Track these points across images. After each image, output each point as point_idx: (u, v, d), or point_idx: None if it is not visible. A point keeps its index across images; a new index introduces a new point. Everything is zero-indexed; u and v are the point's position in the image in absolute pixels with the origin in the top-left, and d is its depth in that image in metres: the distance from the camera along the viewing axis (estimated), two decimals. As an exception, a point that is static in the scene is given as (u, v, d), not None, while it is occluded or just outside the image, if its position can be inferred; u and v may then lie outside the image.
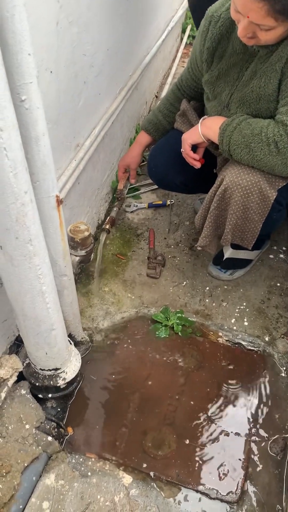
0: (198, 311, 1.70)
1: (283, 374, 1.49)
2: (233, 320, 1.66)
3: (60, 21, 1.18)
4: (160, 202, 2.17)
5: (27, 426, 1.24)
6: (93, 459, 1.27)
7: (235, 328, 1.64)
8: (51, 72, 1.19)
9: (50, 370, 1.25)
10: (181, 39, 3.74)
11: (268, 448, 1.31)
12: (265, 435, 1.34)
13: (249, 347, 1.57)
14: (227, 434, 1.34)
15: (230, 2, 1.26)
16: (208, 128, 1.41)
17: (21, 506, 1.14)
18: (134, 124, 2.40)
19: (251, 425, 1.36)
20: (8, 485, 1.14)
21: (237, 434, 1.34)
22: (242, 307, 1.71)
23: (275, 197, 1.34)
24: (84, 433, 1.33)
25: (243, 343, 1.58)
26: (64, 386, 1.29)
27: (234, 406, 1.40)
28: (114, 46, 1.71)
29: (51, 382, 1.27)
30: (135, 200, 2.21)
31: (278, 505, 1.20)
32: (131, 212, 2.14)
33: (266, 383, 1.47)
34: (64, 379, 1.28)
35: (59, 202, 0.97)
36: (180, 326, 1.61)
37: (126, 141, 2.27)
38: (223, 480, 1.24)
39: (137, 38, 2.12)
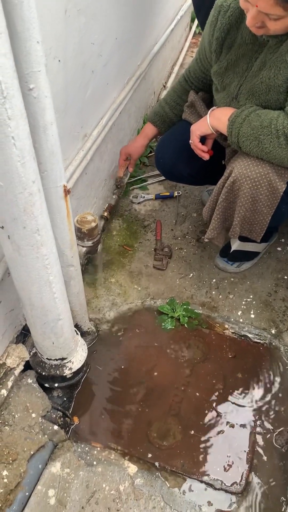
0: (204, 303, 1.70)
1: (289, 367, 1.49)
2: (239, 313, 1.66)
3: (68, 10, 1.17)
4: (168, 194, 2.16)
5: (33, 415, 1.25)
6: (98, 449, 1.28)
7: (241, 320, 1.64)
8: (59, 61, 1.18)
9: (56, 359, 1.26)
10: (190, 28, 3.69)
11: (273, 440, 1.31)
12: (270, 427, 1.34)
13: (255, 340, 1.57)
14: (232, 426, 1.34)
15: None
16: (217, 120, 1.39)
17: (27, 493, 1.16)
18: (142, 115, 2.39)
19: (257, 417, 1.36)
20: (15, 473, 1.15)
21: (243, 425, 1.34)
22: (248, 299, 1.71)
23: (284, 189, 1.33)
24: (90, 422, 1.34)
25: (249, 335, 1.58)
26: (70, 375, 1.30)
27: (240, 398, 1.41)
28: (123, 36, 1.69)
29: (58, 372, 1.28)
30: (142, 191, 2.20)
31: (282, 497, 1.20)
32: (138, 203, 2.13)
33: (272, 375, 1.47)
34: (71, 368, 1.28)
35: (67, 192, 0.97)
36: (186, 318, 1.62)
37: (134, 132, 2.26)
38: (228, 471, 1.25)
39: (145, 27, 2.09)
